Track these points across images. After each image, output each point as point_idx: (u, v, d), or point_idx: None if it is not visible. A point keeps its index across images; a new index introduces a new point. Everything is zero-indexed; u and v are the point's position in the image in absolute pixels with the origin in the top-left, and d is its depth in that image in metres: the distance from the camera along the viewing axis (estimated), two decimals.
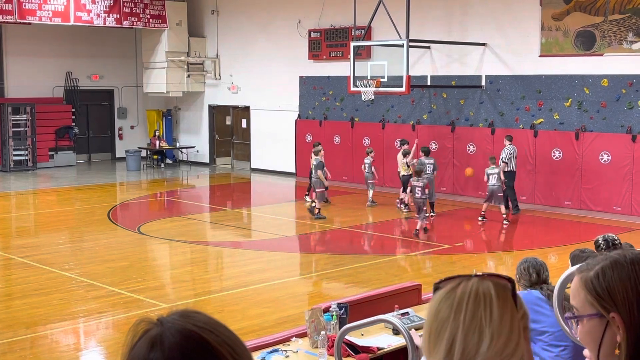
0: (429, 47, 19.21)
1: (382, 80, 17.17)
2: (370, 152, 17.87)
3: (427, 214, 15.27)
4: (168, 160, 26.17)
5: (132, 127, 27.72)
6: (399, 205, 17.21)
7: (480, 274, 1.54)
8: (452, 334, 1.47)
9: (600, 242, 5.73)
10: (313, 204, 16.18)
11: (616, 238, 5.75)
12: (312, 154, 16.83)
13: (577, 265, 1.74)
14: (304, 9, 22.25)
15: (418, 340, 5.05)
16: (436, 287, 1.55)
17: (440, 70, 19.33)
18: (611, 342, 1.58)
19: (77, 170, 24.63)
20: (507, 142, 16.44)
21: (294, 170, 22.76)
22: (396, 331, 6.08)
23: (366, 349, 5.88)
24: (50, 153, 25.09)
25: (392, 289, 7.35)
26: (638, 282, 1.57)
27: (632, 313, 1.55)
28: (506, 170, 15.87)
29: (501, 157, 16.13)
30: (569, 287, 1.77)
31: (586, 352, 1.72)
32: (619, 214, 16.18)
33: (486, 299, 1.48)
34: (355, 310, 6.36)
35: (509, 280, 1.53)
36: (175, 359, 1.29)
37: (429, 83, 19.24)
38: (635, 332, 1.54)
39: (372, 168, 17.58)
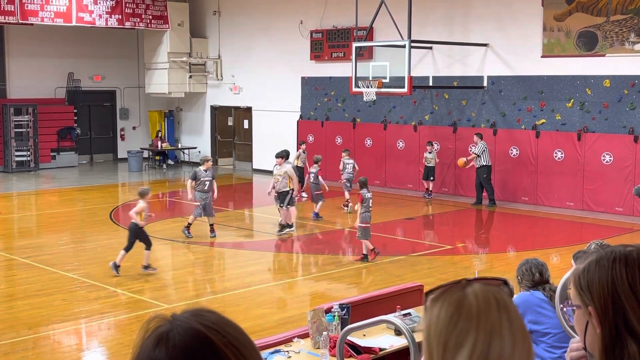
0: (430, 48, 19.21)
1: (383, 81, 17.17)
2: (318, 161, 16.74)
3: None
4: (170, 161, 26.17)
5: (134, 128, 27.75)
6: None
7: (474, 278, 1.57)
8: (474, 344, 1.46)
9: (592, 247, 5.72)
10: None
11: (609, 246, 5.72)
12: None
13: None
14: (306, 10, 22.24)
15: None
16: (429, 297, 1.55)
17: (442, 70, 19.32)
18: (593, 331, 1.70)
19: (79, 171, 24.65)
20: (477, 139, 17.50)
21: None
22: (398, 332, 6.08)
23: (368, 350, 5.88)
24: (52, 154, 25.11)
25: (393, 290, 7.36)
26: (616, 280, 1.66)
27: (606, 309, 1.65)
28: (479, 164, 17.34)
29: (474, 150, 17.54)
30: (571, 288, 1.81)
31: (573, 345, 1.87)
32: (620, 215, 16.17)
33: (500, 304, 1.50)
34: (357, 311, 6.36)
35: (504, 281, 1.61)
36: (178, 358, 1.29)
37: (430, 84, 19.22)
38: (609, 325, 1.65)
39: (319, 178, 16.35)
